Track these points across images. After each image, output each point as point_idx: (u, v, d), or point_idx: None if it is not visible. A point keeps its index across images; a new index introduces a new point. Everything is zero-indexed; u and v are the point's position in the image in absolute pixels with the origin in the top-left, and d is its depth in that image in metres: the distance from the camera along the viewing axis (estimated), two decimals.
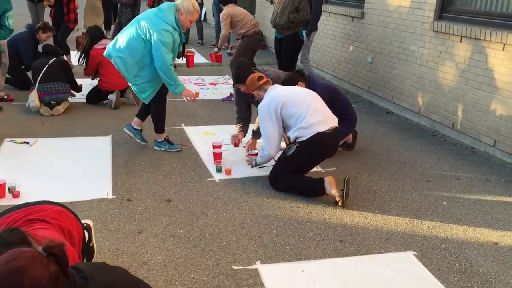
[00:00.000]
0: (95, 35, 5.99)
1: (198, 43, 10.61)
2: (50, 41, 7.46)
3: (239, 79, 4.30)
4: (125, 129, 4.65)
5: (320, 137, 3.67)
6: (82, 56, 6.01)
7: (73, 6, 7.68)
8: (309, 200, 3.68)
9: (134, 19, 4.29)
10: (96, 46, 5.87)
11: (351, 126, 4.56)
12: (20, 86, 6.39)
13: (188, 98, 4.43)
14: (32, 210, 2.15)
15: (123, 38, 4.19)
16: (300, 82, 4.38)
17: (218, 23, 10.60)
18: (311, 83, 4.48)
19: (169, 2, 4.21)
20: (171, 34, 4.08)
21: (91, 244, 2.66)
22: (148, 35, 4.07)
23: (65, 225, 2.16)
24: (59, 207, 2.26)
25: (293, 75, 4.51)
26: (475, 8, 5.01)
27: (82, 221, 2.59)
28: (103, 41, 5.95)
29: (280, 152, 3.96)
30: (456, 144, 5.06)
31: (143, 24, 4.09)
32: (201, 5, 10.45)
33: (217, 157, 4.23)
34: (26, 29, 6.49)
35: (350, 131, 4.55)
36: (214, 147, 4.34)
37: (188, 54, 4.60)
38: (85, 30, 6.20)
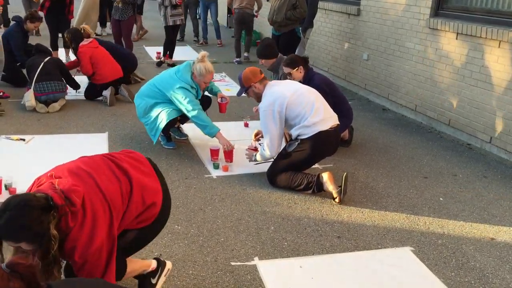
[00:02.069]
0: (77, 36, 5.98)
1: (194, 40, 10.62)
2: (46, 40, 7.44)
3: (263, 55, 5.01)
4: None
5: (322, 135, 3.67)
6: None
7: None
8: (307, 196, 3.69)
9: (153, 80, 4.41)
10: (81, 44, 5.88)
11: (347, 123, 4.58)
12: (15, 83, 6.34)
13: (225, 147, 4.18)
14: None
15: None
16: (300, 67, 4.48)
17: (204, 20, 10.50)
18: (310, 72, 4.56)
19: (187, 62, 4.30)
20: (189, 91, 4.16)
21: (153, 282, 2.46)
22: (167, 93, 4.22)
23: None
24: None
25: (296, 57, 4.60)
26: (471, 5, 5.02)
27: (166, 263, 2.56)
28: (85, 40, 5.97)
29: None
30: (453, 141, 5.08)
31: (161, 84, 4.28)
32: (197, 2, 10.40)
33: (214, 153, 4.23)
34: (13, 22, 6.40)
35: (345, 128, 4.56)
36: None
37: (220, 102, 4.53)
38: (66, 33, 6.13)
